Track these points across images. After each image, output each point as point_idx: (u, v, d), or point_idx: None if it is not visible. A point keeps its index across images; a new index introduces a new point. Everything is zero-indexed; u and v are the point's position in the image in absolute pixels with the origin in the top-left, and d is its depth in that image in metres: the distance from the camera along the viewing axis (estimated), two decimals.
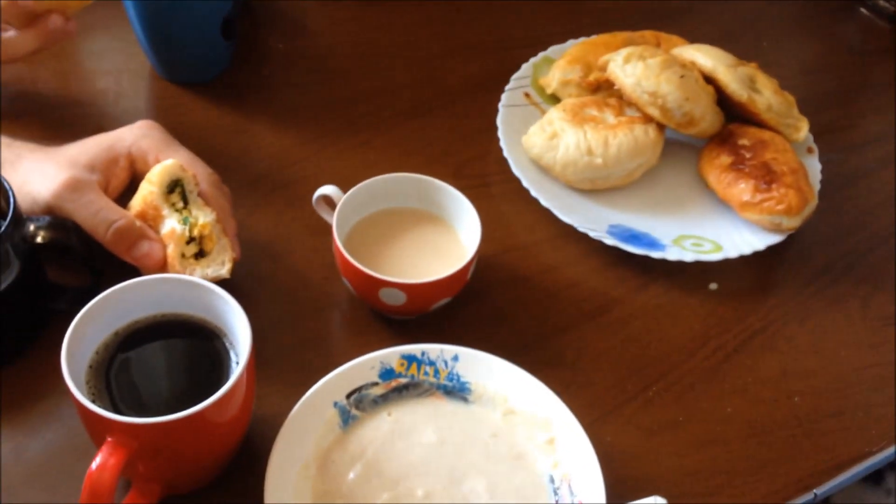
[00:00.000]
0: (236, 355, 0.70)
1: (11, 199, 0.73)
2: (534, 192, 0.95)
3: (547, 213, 0.94)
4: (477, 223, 0.84)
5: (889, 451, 0.83)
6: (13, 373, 0.78)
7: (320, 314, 0.87)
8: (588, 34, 1.11)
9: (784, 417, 0.83)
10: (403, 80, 1.11)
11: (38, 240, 0.75)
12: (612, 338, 0.88)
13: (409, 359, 0.77)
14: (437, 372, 0.77)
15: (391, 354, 0.77)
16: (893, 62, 1.24)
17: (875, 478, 1.00)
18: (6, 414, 0.75)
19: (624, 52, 0.98)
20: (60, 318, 0.71)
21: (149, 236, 0.79)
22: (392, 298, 0.81)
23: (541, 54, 1.10)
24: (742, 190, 0.93)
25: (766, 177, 0.93)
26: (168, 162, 0.80)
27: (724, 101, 1.00)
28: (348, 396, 0.75)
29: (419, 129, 1.05)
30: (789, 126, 1.01)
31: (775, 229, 0.94)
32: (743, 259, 0.92)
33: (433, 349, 0.78)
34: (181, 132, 0.88)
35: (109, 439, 0.62)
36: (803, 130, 1.01)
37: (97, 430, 0.64)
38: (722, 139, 0.99)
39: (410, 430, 0.75)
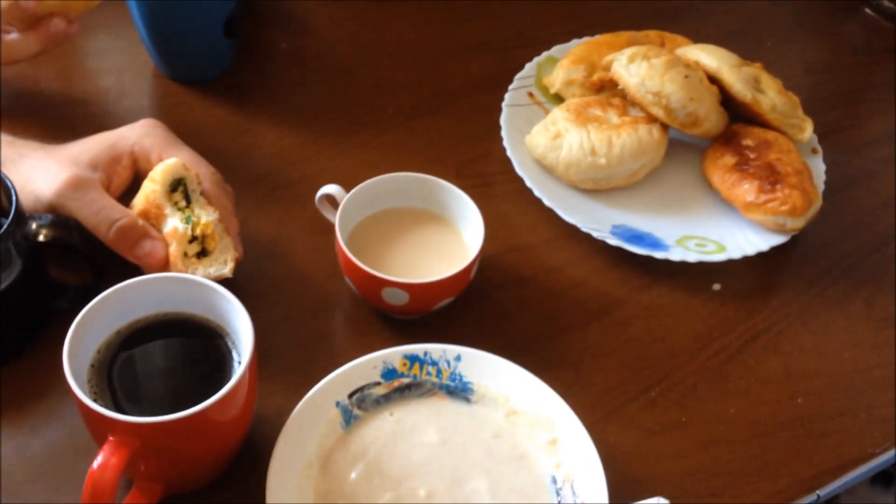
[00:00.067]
0: (238, 354, 0.70)
1: (13, 198, 0.72)
2: (537, 192, 0.95)
3: (550, 213, 0.94)
4: (480, 223, 0.84)
5: (892, 453, 0.83)
6: (15, 371, 0.78)
7: (323, 314, 0.87)
8: (592, 34, 1.11)
9: (787, 418, 0.83)
10: (407, 80, 1.11)
11: (41, 238, 0.75)
12: (614, 338, 0.88)
13: (412, 359, 0.77)
14: (439, 372, 0.77)
15: (393, 354, 0.77)
16: None
17: (884, 480, 1.00)
18: (7, 413, 0.75)
19: (628, 51, 0.98)
20: (62, 316, 0.71)
21: (151, 235, 0.79)
22: (395, 298, 0.81)
23: (544, 54, 1.10)
24: (746, 190, 0.93)
25: (771, 177, 0.93)
26: (171, 161, 0.80)
27: (728, 101, 1.00)
28: (350, 396, 0.75)
29: (422, 128, 1.05)
30: (794, 126, 1.00)
31: (779, 230, 0.93)
32: (746, 260, 0.92)
33: (436, 349, 0.78)
34: (183, 131, 0.88)
35: (111, 438, 0.62)
36: (808, 131, 1.01)
37: (99, 430, 0.64)
38: (726, 139, 0.99)
39: (412, 430, 0.75)
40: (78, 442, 0.73)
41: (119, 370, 0.69)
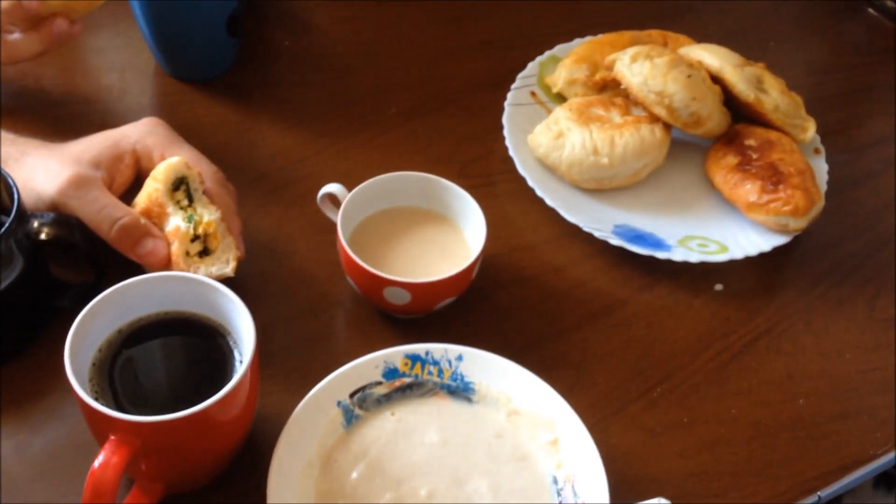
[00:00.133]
0: (240, 354, 0.70)
1: (15, 196, 0.72)
2: (539, 192, 0.95)
3: (552, 213, 0.94)
4: (482, 222, 0.84)
5: (894, 454, 0.83)
6: (16, 370, 0.78)
7: (324, 313, 0.86)
8: (594, 33, 1.11)
9: (789, 419, 0.83)
10: (409, 78, 1.11)
11: (42, 236, 0.75)
12: (616, 338, 0.88)
13: (413, 358, 0.77)
14: (440, 372, 0.77)
15: (395, 354, 0.77)
16: None
17: (887, 482, 1.00)
18: (8, 411, 0.75)
19: (631, 51, 0.98)
20: (64, 315, 0.71)
21: (153, 234, 0.79)
22: (396, 297, 0.81)
23: (547, 53, 1.09)
24: (748, 191, 0.93)
25: (773, 177, 0.93)
26: (173, 159, 0.80)
27: (730, 101, 1.00)
28: (352, 396, 0.75)
29: (424, 127, 1.05)
30: (796, 127, 1.00)
31: (781, 230, 0.93)
32: (749, 260, 0.92)
33: (437, 349, 0.77)
34: (185, 129, 0.88)
35: (112, 437, 0.62)
36: (810, 131, 1.01)
37: (100, 429, 0.64)
38: (728, 139, 0.99)
39: (414, 429, 0.75)
40: (79, 441, 0.73)
41: (120, 369, 0.69)
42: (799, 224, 0.92)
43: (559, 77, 1.05)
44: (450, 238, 0.87)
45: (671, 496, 0.75)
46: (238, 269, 0.80)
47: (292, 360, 0.81)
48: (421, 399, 0.77)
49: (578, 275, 0.92)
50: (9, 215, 0.72)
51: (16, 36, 0.91)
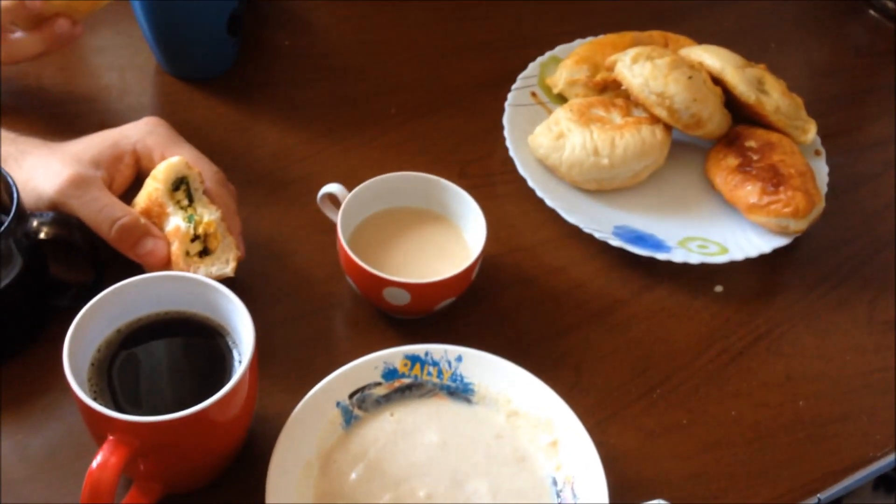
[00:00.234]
0: (239, 354, 0.70)
1: (15, 195, 0.72)
2: (539, 193, 0.94)
3: (552, 214, 0.94)
4: (482, 223, 0.84)
5: (893, 456, 0.83)
6: (15, 369, 0.78)
7: (324, 313, 0.86)
8: (595, 34, 1.11)
9: (788, 421, 0.83)
10: (409, 79, 1.11)
11: (41, 236, 0.75)
12: (616, 339, 0.88)
13: (413, 359, 0.77)
14: (440, 372, 0.77)
15: (395, 354, 0.77)
16: None
17: (886, 485, 0.99)
18: (7, 410, 0.75)
19: (632, 52, 0.98)
20: (63, 314, 0.71)
21: (153, 234, 0.79)
22: (396, 298, 0.81)
23: (548, 53, 1.09)
24: (749, 192, 0.93)
25: (774, 179, 0.93)
26: (173, 159, 0.80)
27: (731, 102, 1.00)
28: (351, 396, 0.75)
29: (425, 127, 1.05)
30: (797, 128, 1.00)
31: (782, 232, 0.93)
32: (749, 262, 0.92)
33: (437, 349, 0.77)
34: (186, 129, 0.88)
35: (110, 438, 0.62)
36: (811, 133, 1.01)
37: (98, 429, 0.64)
38: (729, 141, 0.99)
39: (413, 430, 0.75)
40: (78, 440, 0.73)
41: (119, 369, 0.68)
42: (799, 226, 0.92)
43: (560, 78, 1.05)
44: (450, 238, 0.87)
45: (671, 498, 0.75)
46: (238, 268, 0.80)
47: (292, 361, 0.81)
48: (420, 400, 0.77)
49: (578, 276, 0.92)
50: (8, 215, 0.72)
51: (17, 35, 0.90)
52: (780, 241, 0.93)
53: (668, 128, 0.98)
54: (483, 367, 0.77)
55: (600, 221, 0.94)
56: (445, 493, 0.72)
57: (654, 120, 0.97)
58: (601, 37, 1.09)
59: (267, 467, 0.69)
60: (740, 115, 1.01)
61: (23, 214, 0.73)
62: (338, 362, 0.75)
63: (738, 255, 0.91)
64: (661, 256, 0.91)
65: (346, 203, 0.84)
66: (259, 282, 0.86)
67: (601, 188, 0.97)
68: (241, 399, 0.67)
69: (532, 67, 1.08)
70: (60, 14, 0.90)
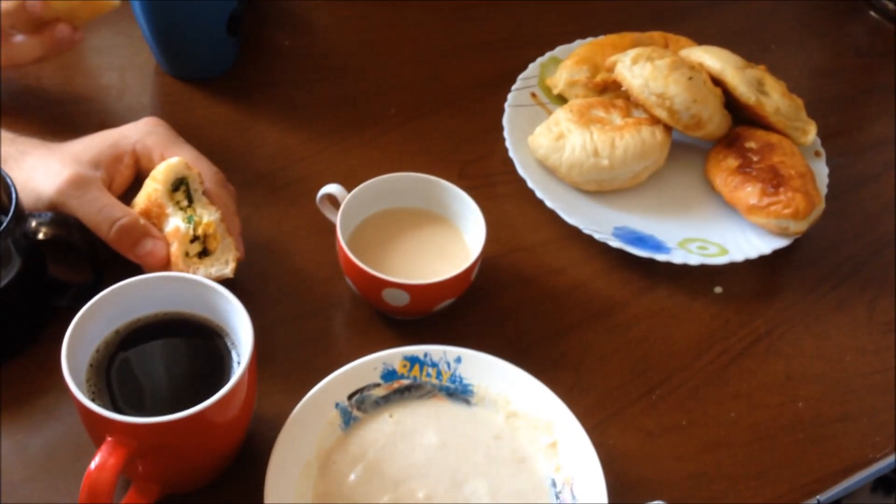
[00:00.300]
0: (238, 355, 0.70)
1: (13, 195, 0.72)
2: (539, 193, 0.94)
3: (552, 214, 0.94)
4: (482, 224, 0.84)
5: (893, 458, 0.82)
6: (14, 370, 0.77)
7: (323, 314, 0.86)
8: (596, 34, 1.11)
9: (788, 422, 0.83)
10: (409, 79, 1.11)
11: (40, 236, 0.74)
12: (615, 340, 0.87)
13: (412, 360, 0.77)
14: (439, 374, 0.77)
15: (394, 355, 0.77)
16: None
17: (885, 486, 0.99)
18: (6, 411, 0.75)
19: (632, 52, 0.98)
20: (62, 314, 0.71)
21: (152, 234, 0.79)
22: (395, 299, 0.81)
23: (548, 54, 1.09)
24: (749, 193, 0.93)
25: (774, 180, 0.93)
26: (173, 160, 0.80)
27: (731, 103, 1.00)
28: (350, 397, 0.75)
29: (425, 128, 1.05)
30: (797, 129, 1.00)
31: (782, 233, 0.93)
32: (748, 263, 0.92)
33: (436, 350, 0.77)
34: (185, 129, 0.88)
35: (109, 439, 0.62)
36: (811, 134, 1.01)
37: (97, 430, 0.64)
38: (729, 142, 0.99)
39: (412, 431, 0.75)
40: (77, 440, 0.73)
41: (118, 370, 0.68)
42: (799, 227, 0.92)
43: (560, 78, 1.04)
44: (449, 239, 0.87)
45: (670, 499, 0.75)
46: (237, 269, 0.80)
47: (291, 362, 0.81)
48: (419, 401, 0.77)
49: (578, 277, 0.92)
50: (6, 215, 0.72)
51: (18, 39, 0.90)
52: (780, 243, 0.93)
53: (668, 129, 0.98)
54: (482, 369, 0.77)
55: (600, 222, 0.94)
56: (444, 495, 0.72)
57: (654, 121, 0.97)
58: (601, 37, 1.09)
59: (266, 468, 0.69)
60: (740, 116, 1.01)
61: (22, 215, 0.73)
62: (337, 363, 0.75)
63: (737, 256, 0.91)
64: (660, 257, 0.90)
65: (346, 204, 0.84)
66: (258, 282, 0.86)
67: (601, 189, 0.97)
68: (239, 400, 0.67)
69: (532, 68, 1.07)
70: (61, 19, 0.91)
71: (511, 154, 0.98)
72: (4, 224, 0.71)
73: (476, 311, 0.87)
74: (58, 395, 0.75)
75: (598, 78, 1.03)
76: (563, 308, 0.89)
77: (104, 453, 0.61)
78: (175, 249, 0.78)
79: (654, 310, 0.90)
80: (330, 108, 1.06)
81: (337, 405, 0.74)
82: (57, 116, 0.99)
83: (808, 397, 0.85)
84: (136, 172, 0.85)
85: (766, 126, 1.00)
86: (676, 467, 0.79)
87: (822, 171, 1.00)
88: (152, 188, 0.80)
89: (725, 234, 0.95)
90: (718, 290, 0.92)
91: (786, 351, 0.88)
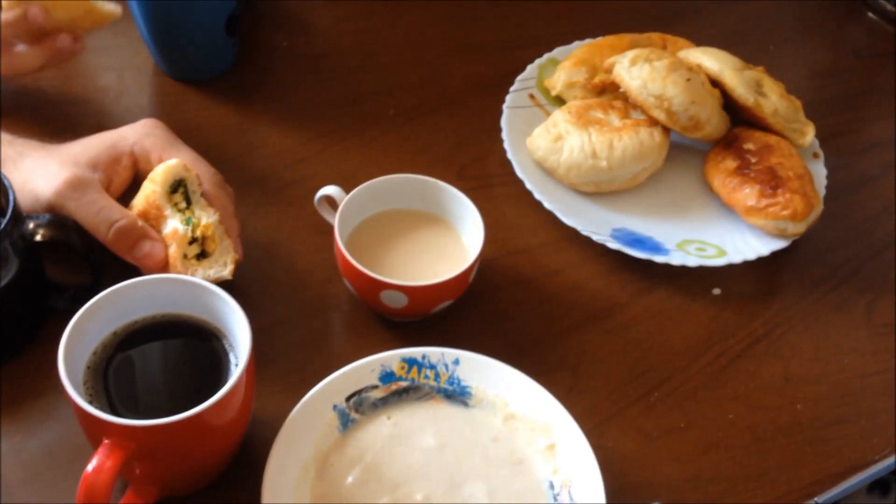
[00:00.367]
0: (236, 357, 0.70)
1: (11, 197, 0.72)
2: (537, 195, 0.94)
3: (550, 216, 0.94)
4: (480, 225, 0.84)
5: (892, 459, 0.82)
6: (11, 371, 0.77)
7: (321, 316, 0.86)
8: (594, 36, 1.11)
9: (786, 424, 0.83)
10: (407, 80, 1.11)
11: (38, 238, 0.74)
12: (614, 342, 0.87)
13: (410, 362, 0.77)
14: (437, 375, 0.77)
15: (392, 357, 0.77)
16: None
17: (882, 487, 0.99)
18: (4, 412, 0.75)
19: (630, 54, 0.98)
20: (60, 316, 0.71)
21: (151, 236, 0.79)
22: (393, 301, 0.81)
23: (546, 55, 1.09)
24: (747, 195, 0.93)
25: (772, 182, 0.93)
26: (171, 161, 0.80)
27: (729, 104, 1.00)
28: (348, 399, 0.75)
29: (423, 129, 1.05)
30: (795, 131, 1.00)
31: (780, 235, 0.93)
32: (747, 264, 0.92)
33: (434, 352, 0.77)
34: (183, 130, 0.88)
35: (106, 441, 0.62)
36: (809, 135, 1.01)
37: (94, 432, 0.64)
38: (727, 143, 0.99)
39: (410, 433, 0.75)
40: (75, 442, 0.72)
41: (115, 372, 0.68)
42: (797, 228, 0.92)
43: (558, 80, 1.04)
44: (447, 241, 0.87)
45: (668, 501, 0.75)
46: (235, 271, 0.80)
47: (289, 363, 0.81)
48: (417, 403, 0.77)
49: (576, 278, 0.92)
50: (4, 216, 0.72)
51: (19, 48, 0.91)
52: (779, 244, 0.93)
53: (666, 130, 0.98)
54: (480, 370, 0.77)
55: (598, 224, 0.94)
56: (443, 497, 0.72)
57: (653, 122, 0.97)
58: (599, 39, 1.09)
59: (264, 470, 0.69)
60: (739, 117, 1.01)
61: (19, 216, 0.73)
62: (335, 365, 0.75)
63: (736, 257, 0.91)
64: (658, 259, 0.90)
65: (344, 205, 0.84)
66: (256, 284, 0.86)
67: (599, 190, 0.97)
68: (237, 402, 0.67)
69: (530, 69, 1.07)
70: (62, 29, 0.91)
71: (509, 155, 0.98)
72: (2, 226, 0.71)
73: (474, 313, 0.87)
74: (55, 396, 0.75)
75: (597, 79, 1.03)
76: (561, 310, 0.89)
77: (101, 456, 0.61)
78: (173, 251, 0.78)
79: (653, 311, 0.90)
80: (328, 109, 1.06)
81: (335, 407, 0.74)
82: (55, 118, 0.99)
83: (807, 399, 0.85)
84: (134, 174, 0.85)
85: (765, 127, 1.00)
86: (674, 469, 0.79)
87: (820, 172, 1.00)
88: (150, 190, 0.80)
89: (724, 235, 0.95)
90: (717, 291, 0.92)
91: (784, 352, 0.88)
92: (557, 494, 0.73)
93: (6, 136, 0.83)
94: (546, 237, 0.95)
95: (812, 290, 0.94)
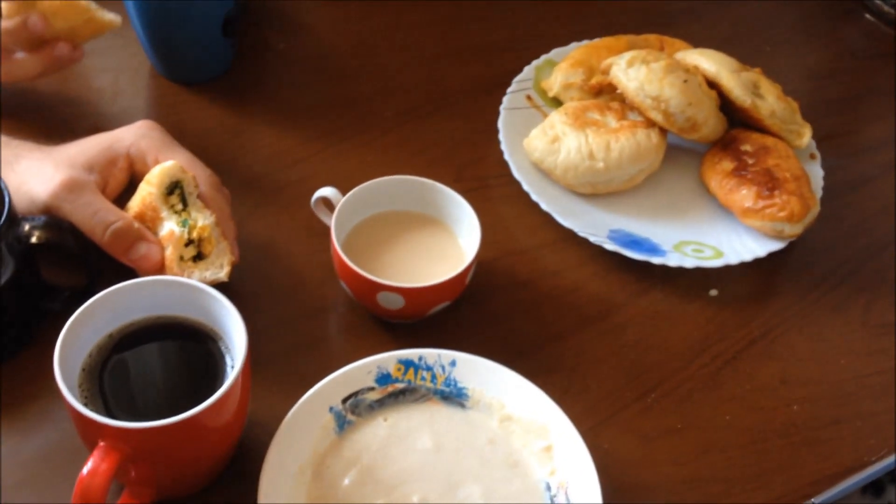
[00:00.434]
0: (232, 359, 0.69)
1: (6, 199, 0.72)
2: (534, 196, 0.94)
3: (547, 217, 0.94)
4: (477, 227, 0.84)
5: (888, 461, 0.82)
6: (7, 373, 0.77)
7: (317, 317, 0.86)
8: (591, 37, 1.11)
9: (783, 425, 0.83)
10: (404, 81, 1.11)
11: (33, 240, 0.74)
12: (611, 344, 0.87)
13: (407, 364, 0.77)
14: (434, 377, 0.77)
15: (388, 359, 0.76)
16: None
17: (875, 489, 1.00)
18: (0, 415, 0.75)
19: (627, 55, 0.98)
20: (55, 318, 0.71)
21: (147, 238, 0.79)
22: (390, 302, 0.81)
23: (543, 57, 1.09)
24: (744, 196, 0.93)
25: (769, 183, 0.93)
26: (168, 163, 0.80)
27: (726, 106, 1.00)
28: (344, 401, 0.75)
29: (420, 130, 1.05)
30: (792, 132, 1.00)
31: (777, 236, 0.93)
32: (744, 266, 0.92)
33: (431, 354, 0.77)
34: (180, 132, 0.87)
35: (101, 444, 0.62)
36: (806, 136, 1.01)
37: (89, 435, 0.64)
38: (724, 144, 0.99)
39: (406, 435, 0.75)
40: (71, 444, 0.72)
41: (111, 374, 0.68)
42: (794, 230, 0.92)
43: (555, 81, 1.04)
44: (444, 242, 0.87)
45: (664, 502, 0.75)
46: (232, 273, 0.80)
47: (285, 365, 0.81)
48: (414, 405, 0.77)
49: (573, 280, 0.92)
50: (0, 218, 0.72)
51: (18, 56, 0.91)
52: (775, 245, 0.93)
53: (663, 131, 0.98)
54: (477, 372, 0.77)
55: (595, 225, 0.94)
56: (439, 498, 0.72)
57: (650, 124, 0.97)
58: (597, 40, 1.09)
59: (260, 472, 0.69)
60: (735, 118, 1.01)
61: (15, 218, 0.73)
62: (331, 367, 0.75)
63: (733, 259, 0.91)
64: (655, 260, 0.90)
65: (340, 207, 0.84)
66: (253, 286, 0.86)
67: (596, 192, 0.97)
68: (233, 404, 0.67)
69: (527, 71, 1.07)
70: (61, 37, 0.91)
71: (506, 157, 0.98)
72: None
73: (471, 315, 0.87)
74: (51, 399, 0.75)
75: (594, 81, 1.03)
76: (558, 311, 0.89)
77: (96, 458, 0.61)
78: (169, 253, 0.78)
79: (650, 313, 0.90)
80: (325, 110, 1.05)
81: (331, 409, 0.74)
82: (51, 119, 0.98)
83: (803, 400, 0.85)
84: (130, 176, 0.84)
85: (762, 129, 1.00)
86: (671, 471, 0.79)
87: (817, 173, 1.00)
88: (147, 192, 0.80)
89: (721, 236, 0.95)
90: (714, 293, 0.92)
91: (781, 354, 0.88)
92: (554, 496, 0.72)
93: (2, 138, 0.83)
94: (543, 238, 0.95)
95: (809, 291, 0.94)
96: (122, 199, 0.83)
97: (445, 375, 0.77)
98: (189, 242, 0.79)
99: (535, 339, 0.87)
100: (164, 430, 0.62)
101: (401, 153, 1.02)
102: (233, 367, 0.68)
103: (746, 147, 0.97)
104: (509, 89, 1.05)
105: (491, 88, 1.07)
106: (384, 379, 0.76)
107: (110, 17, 0.93)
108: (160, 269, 0.78)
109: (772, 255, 0.92)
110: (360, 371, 0.76)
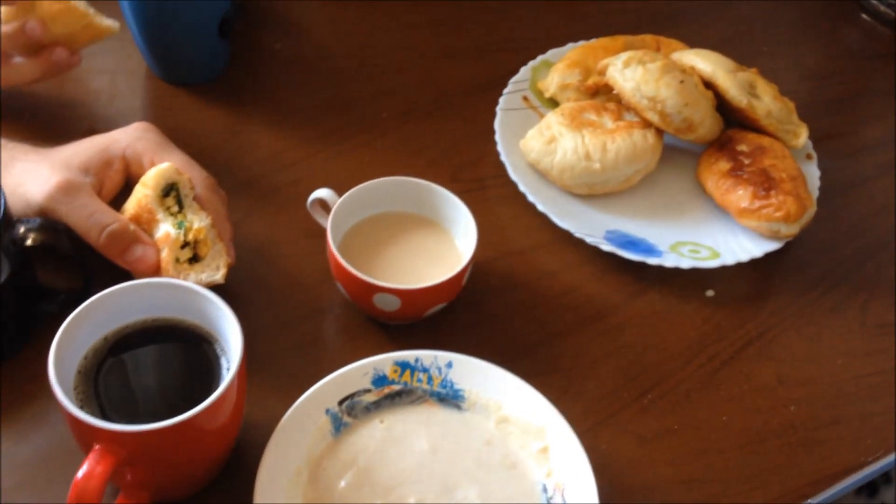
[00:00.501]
0: (227, 361, 0.69)
1: (1, 201, 0.72)
2: (530, 197, 0.94)
3: (543, 218, 0.93)
4: (473, 228, 0.84)
5: (885, 461, 0.82)
6: (3, 375, 0.77)
7: (313, 319, 0.86)
8: (587, 38, 1.11)
9: (780, 426, 0.83)
10: (401, 83, 1.11)
11: (29, 242, 0.74)
12: (607, 345, 0.87)
13: (403, 365, 0.77)
14: (430, 379, 0.77)
15: (384, 361, 0.76)
16: (894, 68, 1.23)
17: (870, 490, 1.00)
18: None
19: (623, 56, 0.98)
20: (50, 320, 0.71)
21: (142, 240, 0.78)
22: (386, 304, 0.81)
23: (540, 58, 1.09)
24: (740, 196, 0.93)
25: (765, 183, 0.93)
26: (163, 165, 0.80)
27: (723, 106, 1.00)
28: (340, 403, 0.75)
29: (416, 131, 1.05)
30: (788, 132, 1.00)
31: (773, 236, 0.93)
32: (740, 266, 0.92)
33: (427, 356, 0.77)
34: (176, 133, 0.87)
35: (97, 447, 0.62)
36: (802, 137, 1.01)
37: (84, 438, 0.64)
38: (721, 145, 0.99)
39: (403, 437, 0.75)
40: (67, 447, 0.72)
41: (106, 377, 0.68)
42: (791, 230, 0.92)
43: (552, 82, 1.04)
44: (440, 244, 0.87)
45: (661, 503, 0.75)
46: (228, 275, 0.80)
47: (281, 367, 0.81)
48: (410, 406, 0.77)
49: (569, 281, 0.92)
50: None
51: (16, 60, 0.91)
52: (772, 246, 0.93)
53: (659, 132, 0.98)
54: (473, 374, 0.77)
55: (592, 226, 0.93)
56: (436, 500, 0.71)
57: (646, 124, 0.97)
58: (593, 41, 1.09)
59: (256, 475, 0.68)
60: (732, 119, 1.01)
61: (10, 220, 0.73)
62: (327, 369, 0.75)
63: (729, 259, 0.91)
64: (652, 261, 0.90)
65: (336, 208, 0.84)
66: (248, 288, 0.86)
67: (592, 192, 0.97)
68: (229, 407, 0.67)
69: (524, 71, 1.07)
70: (59, 42, 0.92)
71: (503, 158, 0.98)
72: None
73: (467, 316, 0.87)
74: (46, 401, 0.75)
75: (590, 81, 1.03)
76: (554, 312, 0.89)
77: (92, 461, 0.61)
78: (165, 255, 0.78)
79: (646, 313, 0.90)
80: (321, 111, 1.05)
81: (327, 411, 0.74)
82: (47, 121, 0.98)
83: (800, 401, 0.85)
84: (126, 178, 0.84)
85: (758, 129, 1.00)
86: (668, 472, 0.79)
87: (813, 174, 1.00)
88: (142, 194, 0.79)
89: (717, 237, 0.95)
90: (710, 293, 0.92)
91: (778, 354, 0.88)
92: (551, 497, 0.72)
93: None
94: (540, 239, 0.95)
95: (806, 291, 0.94)
96: (117, 201, 0.82)
97: (442, 377, 0.77)
98: (185, 244, 0.79)
99: (532, 340, 0.87)
100: (160, 432, 0.61)
101: (397, 154, 1.02)
102: (228, 369, 0.68)
103: (743, 147, 0.97)
104: (506, 90, 1.05)
105: (487, 89, 1.07)
106: (380, 381, 0.76)
107: (108, 22, 0.94)
108: (156, 271, 0.78)
109: (768, 256, 0.92)
110: (356, 373, 0.75)
